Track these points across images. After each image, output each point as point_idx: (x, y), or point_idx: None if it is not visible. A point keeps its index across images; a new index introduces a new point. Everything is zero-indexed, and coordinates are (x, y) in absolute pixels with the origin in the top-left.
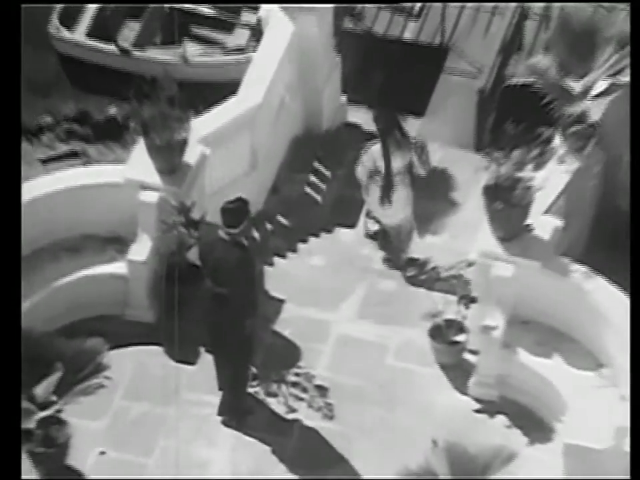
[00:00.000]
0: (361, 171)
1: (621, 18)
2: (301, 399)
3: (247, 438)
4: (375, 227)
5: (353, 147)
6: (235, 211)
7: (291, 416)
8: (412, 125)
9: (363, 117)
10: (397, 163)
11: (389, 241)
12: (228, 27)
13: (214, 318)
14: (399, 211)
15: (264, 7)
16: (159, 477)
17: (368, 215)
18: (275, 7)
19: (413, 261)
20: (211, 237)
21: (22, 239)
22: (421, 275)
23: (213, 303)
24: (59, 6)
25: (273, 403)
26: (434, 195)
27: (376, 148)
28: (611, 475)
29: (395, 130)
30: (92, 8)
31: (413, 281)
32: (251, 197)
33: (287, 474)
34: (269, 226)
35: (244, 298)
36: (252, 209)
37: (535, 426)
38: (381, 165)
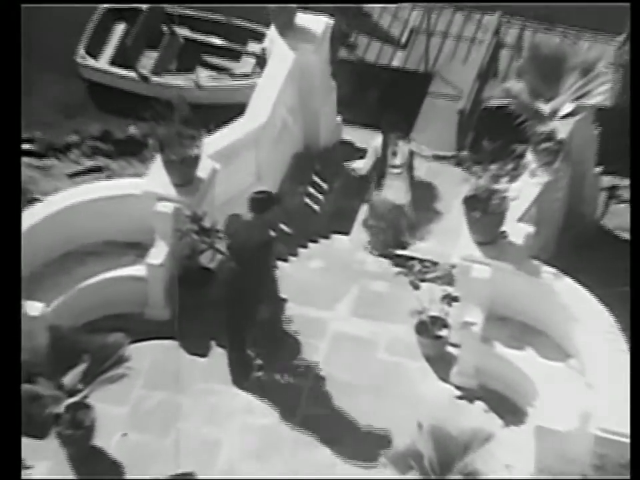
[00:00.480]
0: (365, 163)
1: (585, 48)
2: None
3: (252, 422)
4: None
5: (347, 162)
6: (261, 200)
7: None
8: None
9: (356, 135)
10: (399, 158)
11: (385, 222)
12: (235, 56)
13: (233, 296)
14: (399, 196)
15: (268, 37)
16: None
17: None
18: (277, 37)
19: (402, 259)
20: (237, 223)
21: (51, 244)
22: (410, 275)
23: (233, 282)
24: (86, 37)
25: (276, 390)
26: (420, 205)
27: (378, 142)
28: (576, 454)
29: (398, 131)
30: (115, 39)
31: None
32: None
33: (287, 452)
34: (272, 233)
35: (261, 275)
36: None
37: (509, 410)
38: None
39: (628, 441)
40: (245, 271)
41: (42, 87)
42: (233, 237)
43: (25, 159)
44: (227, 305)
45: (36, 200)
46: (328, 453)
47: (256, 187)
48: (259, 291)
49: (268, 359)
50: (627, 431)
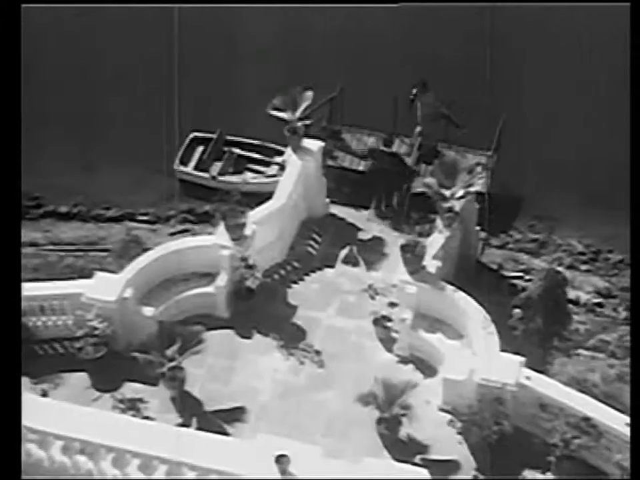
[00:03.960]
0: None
1: (470, 157)
2: (306, 357)
3: (278, 377)
4: None
5: (332, 225)
6: None
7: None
8: (362, 216)
9: (336, 209)
10: None
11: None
12: (267, 164)
13: None
14: None
15: (286, 153)
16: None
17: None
18: (291, 153)
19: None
20: None
21: (159, 274)
22: (369, 291)
23: None
24: (179, 154)
25: (291, 360)
26: (374, 251)
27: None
28: (467, 394)
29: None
30: (197, 155)
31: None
32: (278, 254)
33: (298, 395)
34: (288, 268)
35: None
36: (278, 259)
37: (427, 369)
38: None
39: (497, 385)
40: None
41: (154, 183)
42: None
43: (143, 225)
44: None
45: (150, 249)
46: (322, 395)
47: (279, 241)
48: None
49: (286, 341)
50: (496, 379)
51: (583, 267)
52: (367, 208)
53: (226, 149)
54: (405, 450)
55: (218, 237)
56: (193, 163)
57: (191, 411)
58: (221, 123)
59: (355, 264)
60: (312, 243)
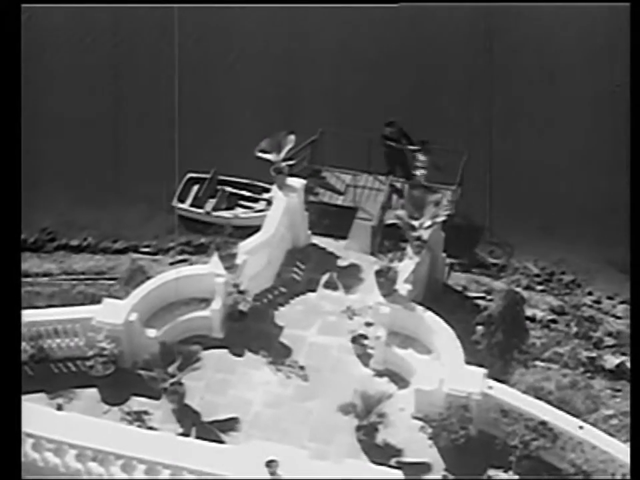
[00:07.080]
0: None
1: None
2: (292, 372)
3: (269, 389)
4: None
5: (314, 254)
6: None
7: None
8: (340, 245)
9: (317, 240)
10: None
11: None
12: (255, 200)
13: None
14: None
15: (273, 190)
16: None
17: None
18: (277, 190)
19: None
20: None
21: (161, 299)
22: (348, 312)
23: None
24: (177, 192)
25: (279, 374)
26: (351, 277)
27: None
28: (436, 402)
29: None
30: (192, 193)
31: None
32: (266, 280)
33: (287, 405)
34: (276, 292)
35: None
36: (267, 285)
37: (401, 381)
38: None
39: (463, 394)
40: None
41: (157, 219)
42: None
43: (146, 256)
44: None
45: (152, 277)
46: (308, 405)
47: (267, 268)
48: None
49: (275, 357)
50: (462, 388)
51: (539, 288)
52: (344, 238)
53: (219, 187)
54: (382, 453)
55: (213, 266)
56: (189, 200)
57: (190, 421)
58: (214, 164)
59: (335, 288)
60: (296, 270)
